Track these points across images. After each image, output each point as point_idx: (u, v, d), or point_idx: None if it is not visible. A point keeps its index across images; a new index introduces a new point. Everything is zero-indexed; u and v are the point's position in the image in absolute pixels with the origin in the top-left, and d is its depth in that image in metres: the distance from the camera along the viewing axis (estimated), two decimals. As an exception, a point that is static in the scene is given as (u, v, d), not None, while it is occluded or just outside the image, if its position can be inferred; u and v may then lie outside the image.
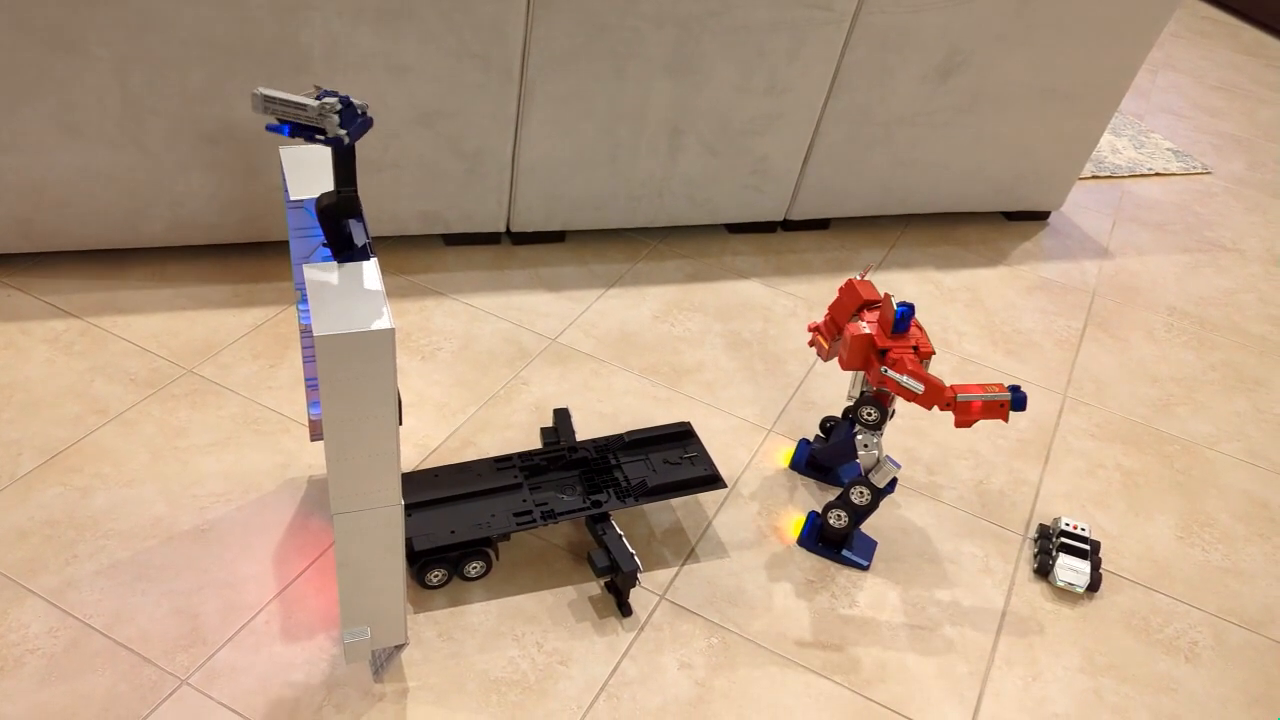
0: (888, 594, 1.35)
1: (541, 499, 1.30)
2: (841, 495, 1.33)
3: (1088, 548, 1.42)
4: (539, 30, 1.58)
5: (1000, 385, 1.22)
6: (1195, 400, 1.81)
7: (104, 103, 1.45)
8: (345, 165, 0.91)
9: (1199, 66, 3.40)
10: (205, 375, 1.49)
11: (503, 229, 1.85)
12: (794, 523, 1.42)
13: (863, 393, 1.30)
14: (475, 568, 1.25)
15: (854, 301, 1.29)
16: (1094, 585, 1.38)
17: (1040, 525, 1.47)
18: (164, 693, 1.09)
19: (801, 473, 1.50)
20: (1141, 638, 1.36)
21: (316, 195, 0.99)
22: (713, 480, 1.35)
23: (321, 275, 0.92)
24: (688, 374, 1.66)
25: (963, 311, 1.94)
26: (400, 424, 0.95)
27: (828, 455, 1.47)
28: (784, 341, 1.77)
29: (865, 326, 1.25)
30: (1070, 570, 1.38)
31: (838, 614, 1.31)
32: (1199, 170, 2.67)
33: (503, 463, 1.34)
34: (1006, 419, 1.24)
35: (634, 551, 1.25)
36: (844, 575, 1.36)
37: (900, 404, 1.66)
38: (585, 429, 1.52)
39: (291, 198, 1.00)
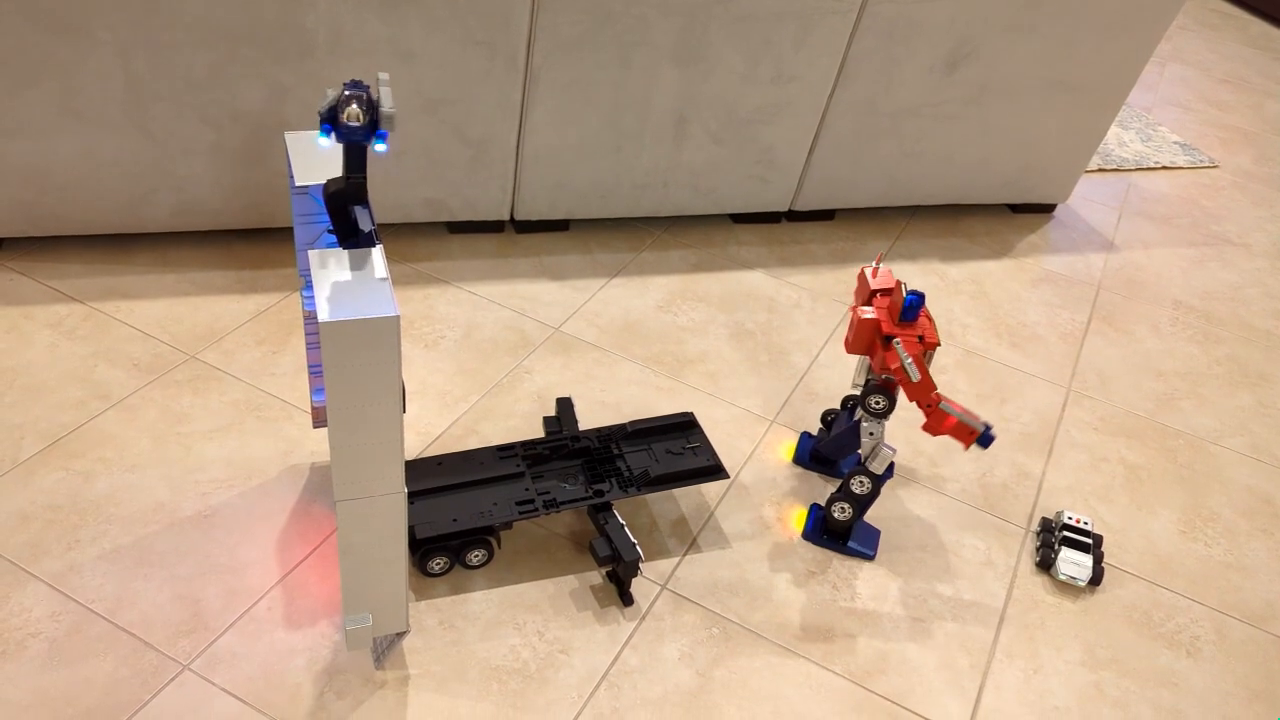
0: (889, 586, 1.35)
1: (544, 488, 1.30)
2: (842, 487, 1.33)
3: (1090, 541, 1.41)
4: (544, 18, 1.58)
5: (979, 417, 1.25)
6: (1199, 395, 1.81)
7: (108, 87, 1.45)
8: (357, 153, 0.91)
9: (1207, 60, 3.39)
10: (208, 361, 1.49)
11: (507, 217, 1.84)
12: (796, 515, 1.42)
13: (869, 380, 1.30)
14: (477, 556, 1.25)
15: (864, 290, 1.29)
16: (1096, 579, 1.38)
17: (1043, 519, 1.47)
18: (165, 678, 1.10)
19: (806, 466, 1.50)
20: (1143, 632, 1.35)
21: (323, 181, 0.99)
22: (715, 471, 1.34)
23: (327, 261, 0.91)
24: (691, 364, 1.65)
25: (967, 303, 1.93)
26: (404, 411, 0.94)
27: (831, 448, 1.46)
28: (788, 332, 1.77)
29: (872, 311, 1.25)
30: (1072, 564, 1.38)
31: (839, 605, 1.31)
32: (1206, 164, 2.66)
33: (505, 451, 1.33)
34: (967, 447, 1.27)
35: (636, 541, 1.25)
36: (845, 567, 1.36)
37: (904, 397, 1.65)
38: (588, 418, 1.52)
39: (297, 184, 1.00)
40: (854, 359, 1.72)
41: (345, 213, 0.94)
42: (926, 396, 1.22)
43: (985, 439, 1.23)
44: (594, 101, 1.71)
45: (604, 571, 1.30)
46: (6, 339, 1.47)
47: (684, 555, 1.34)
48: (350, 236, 0.94)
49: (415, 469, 1.30)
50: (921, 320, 1.24)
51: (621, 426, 1.38)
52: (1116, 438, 1.67)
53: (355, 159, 0.91)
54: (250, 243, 1.73)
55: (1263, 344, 1.98)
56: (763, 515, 1.41)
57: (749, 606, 1.29)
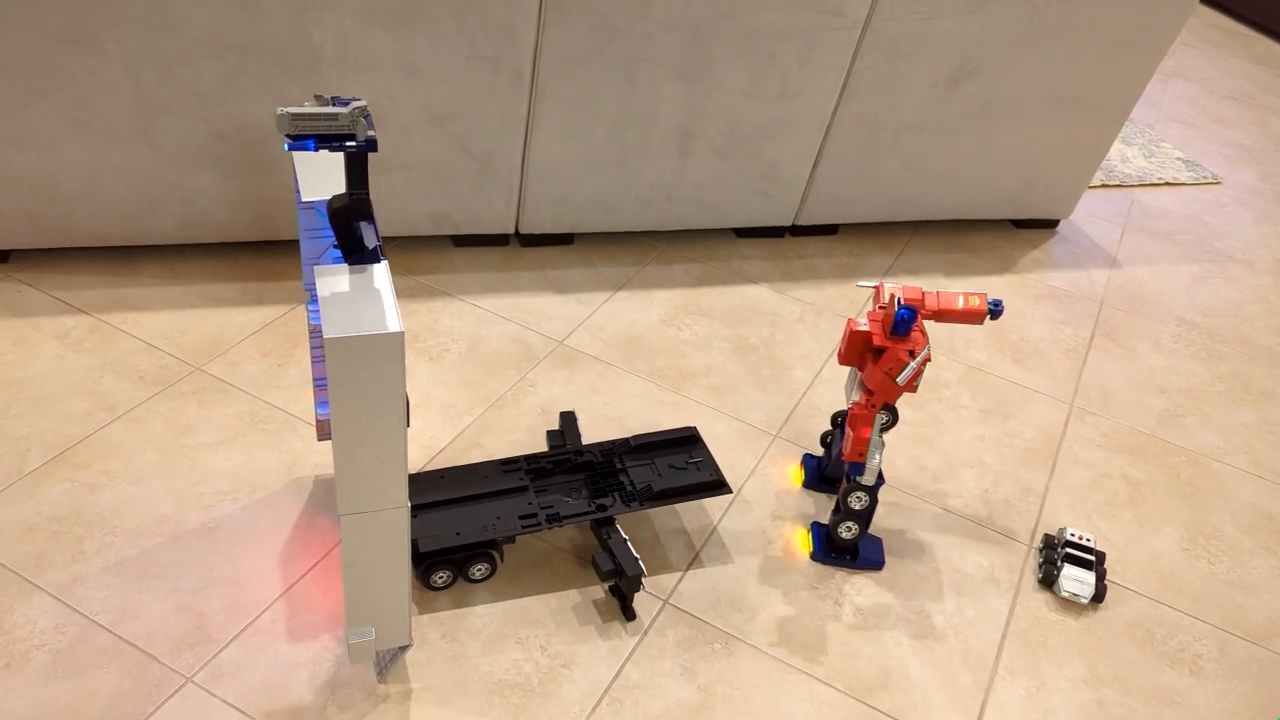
0: (891, 601, 1.35)
1: (547, 502, 1.30)
2: (840, 507, 1.33)
3: (1093, 558, 1.41)
4: (550, 33, 1.59)
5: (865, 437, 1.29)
6: (1202, 411, 1.81)
7: (116, 100, 1.46)
8: (359, 168, 0.92)
9: (1210, 76, 3.39)
10: (213, 373, 1.50)
11: (511, 231, 1.85)
12: (799, 535, 1.42)
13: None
14: (480, 570, 1.26)
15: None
16: (1099, 596, 1.38)
17: (1045, 535, 1.47)
18: (169, 690, 1.10)
19: (816, 489, 1.49)
20: (1146, 650, 1.35)
21: (328, 197, 1.00)
22: (718, 486, 1.35)
23: (332, 277, 0.92)
24: (694, 378, 1.66)
25: (970, 319, 1.93)
26: (408, 425, 0.95)
27: (837, 469, 1.47)
28: (791, 347, 1.77)
29: (864, 323, 1.25)
30: (1075, 581, 1.38)
31: (841, 621, 1.31)
32: (1209, 180, 2.67)
33: (509, 465, 1.34)
34: (861, 458, 1.29)
35: (638, 556, 1.25)
36: (848, 582, 1.36)
37: (906, 412, 1.66)
38: (591, 432, 1.52)
39: (303, 199, 1.00)
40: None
41: (350, 228, 0.95)
42: (894, 397, 1.26)
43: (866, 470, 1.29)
44: (599, 116, 1.71)
45: (606, 586, 1.30)
46: (13, 350, 1.48)
47: (686, 570, 1.34)
48: (356, 252, 0.95)
49: (419, 482, 1.30)
50: (914, 334, 1.24)
51: (625, 441, 1.38)
52: (1119, 454, 1.67)
53: (357, 174, 0.92)
54: (256, 255, 1.74)
55: (1266, 361, 1.98)
56: (766, 531, 1.41)
57: (751, 622, 1.29)
